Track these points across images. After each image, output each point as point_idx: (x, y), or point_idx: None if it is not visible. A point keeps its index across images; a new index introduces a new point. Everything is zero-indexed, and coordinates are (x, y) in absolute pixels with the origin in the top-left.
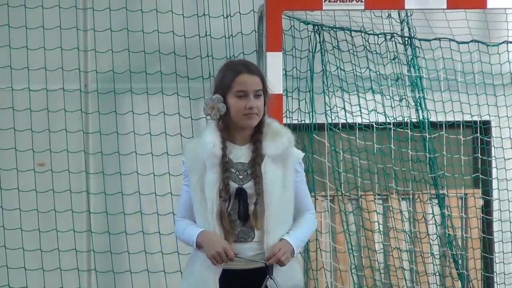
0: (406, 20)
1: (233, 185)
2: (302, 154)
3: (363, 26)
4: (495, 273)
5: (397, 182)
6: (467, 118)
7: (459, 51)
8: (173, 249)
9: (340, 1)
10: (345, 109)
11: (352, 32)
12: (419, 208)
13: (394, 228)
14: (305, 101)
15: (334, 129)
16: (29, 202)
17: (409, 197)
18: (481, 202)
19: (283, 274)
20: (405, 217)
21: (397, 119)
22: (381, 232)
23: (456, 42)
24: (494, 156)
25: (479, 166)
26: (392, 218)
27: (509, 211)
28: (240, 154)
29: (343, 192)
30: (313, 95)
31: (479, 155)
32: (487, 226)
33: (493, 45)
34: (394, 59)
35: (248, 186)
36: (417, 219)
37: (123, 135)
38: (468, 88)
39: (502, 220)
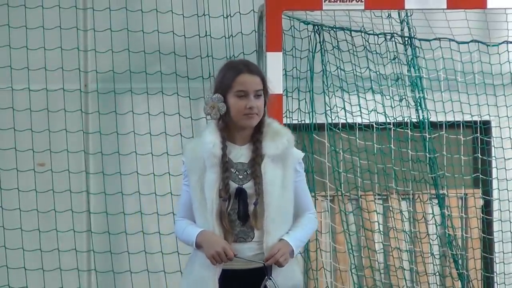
0: (406, 20)
1: (233, 185)
2: (302, 154)
3: (363, 26)
4: (495, 273)
5: (397, 182)
6: (467, 118)
7: (459, 51)
8: (173, 249)
9: (340, 1)
10: (345, 109)
11: (352, 32)
12: (419, 208)
13: (394, 228)
14: (305, 101)
15: (334, 129)
16: (29, 202)
17: (409, 197)
18: (481, 202)
19: (283, 274)
20: (405, 217)
21: (397, 119)
22: (381, 232)
23: (456, 42)
24: (494, 156)
25: (479, 166)
26: (392, 218)
27: (509, 211)
28: (240, 154)
29: (343, 192)
30: (313, 95)
31: (479, 155)
32: (487, 226)
33: (493, 45)
34: (394, 59)
35: (248, 186)
36: (417, 219)
37: (123, 135)
38: (468, 88)
39: (502, 220)
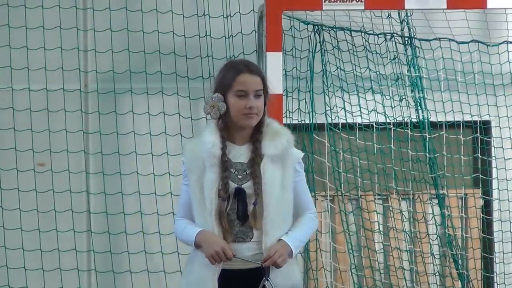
0: (406, 20)
1: (232, 185)
2: (301, 154)
3: (363, 26)
4: (495, 273)
5: (397, 182)
6: (467, 118)
7: (459, 51)
8: (173, 249)
9: (340, 1)
10: (345, 109)
11: (352, 32)
12: (419, 208)
13: (394, 228)
14: (305, 101)
15: (334, 129)
16: (29, 202)
17: (409, 197)
18: (481, 202)
19: (282, 274)
20: (405, 217)
21: (397, 119)
22: (381, 232)
23: (456, 42)
24: (494, 156)
25: (479, 166)
26: (392, 218)
27: (509, 211)
28: (240, 154)
29: (343, 192)
30: (313, 95)
31: (479, 155)
32: (487, 226)
33: (493, 45)
34: (394, 59)
35: (247, 186)
36: (417, 219)
37: (123, 135)
38: (468, 88)
39: (502, 220)
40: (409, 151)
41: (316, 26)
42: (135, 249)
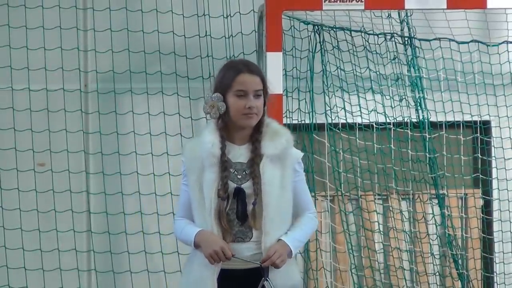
0: (406, 20)
1: (232, 185)
2: (301, 154)
3: (363, 26)
4: (495, 273)
5: (397, 182)
6: (467, 118)
7: (459, 51)
8: (173, 249)
9: (340, 1)
10: (345, 109)
11: (352, 32)
12: (419, 208)
13: (394, 228)
14: (305, 101)
15: (334, 129)
16: (29, 202)
17: (409, 197)
18: (481, 202)
19: (281, 274)
20: (405, 217)
21: (397, 119)
22: (381, 232)
23: (456, 42)
24: (494, 156)
25: (479, 166)
26: (392, 218)
27: (509, 211)
28: (239, 154)
29: (343, 192)
30: (313, 95)
31: (479, 155)
32: (487, 226)
33: (493, 45)
34: (394, 59)
35: (247, 186)
36: (417, 219)
37: (123, 135)
38: (468, 88)
39: (502, 220)
40: (409, 151)
41: (316, 26)
42: (135, 249)
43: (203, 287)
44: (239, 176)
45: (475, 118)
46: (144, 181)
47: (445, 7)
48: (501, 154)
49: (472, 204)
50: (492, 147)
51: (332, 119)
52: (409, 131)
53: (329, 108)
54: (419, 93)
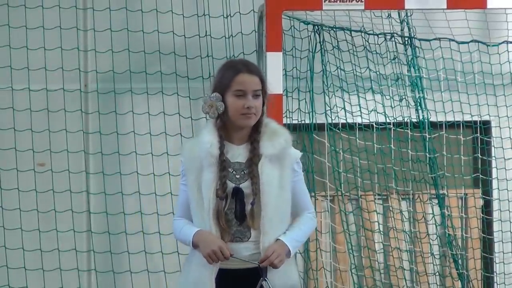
0: (406, 20)
1: (230, 185)
2: (299, 154)
3: (363, 26)
4: (495, 273)
5: (397, 182)
6: (467, 118)
7: (459, 51)
8: (173, 249)
9: (340, 1)
10: (345, 109)
11: (352, 32)
12: (419, 208)
13: (394, 228)
14: (305, 101)
15: (334, 129)
16: (29, 202)
17: (409, 197)
18: (481, 202)
19: (280, 275)
20: (405, 217)
21: (397, 119)
22: (381, 232)
23: (456, 42)
24: (494, 156)
25: (479, 166)
26: (392, 218)
27: (509, 211)
28: (238, 153)
29: (343, 192)
30: (313, 95)
31: (479, 155)
32: (487, 226)
33: (493, 45)
34: (394, 59)
35: (245, 186)
36: (417, 219)
37: (123, 135)
38: (468, 88)
39: (502, 220)
40: (409, 151)
41: (316, 26)
42: (135, 249)
43: (202, 287)
44: (237, 176)
45: (475, 118)
46: (144, 181)
47: (445, 7)
48: (501, 154)
49: (472, 204)
50: (492, 147)
51: (332, 119)
52: (409, 131)
53: (329, 108)
54: (419, 93)
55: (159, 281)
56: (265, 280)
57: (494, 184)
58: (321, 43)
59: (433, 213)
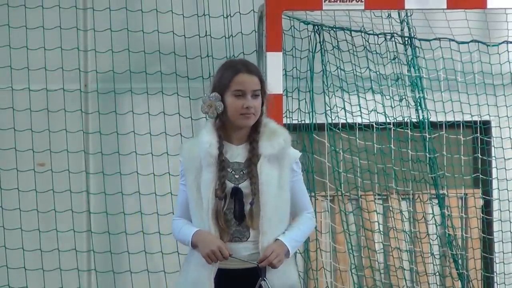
0: (406, 20)
1: (229, 185)
2: (298, 154)
3: (363, 26)
4: (495, 273)
5: (397, 182)
6: (467, 118)
7: (459, 51)
8: (173, 249)
9: (340, 1)
10: (345, 109)
11: (352, 32)
12: (419, 208)
13: (394, 228)
14: (305, 101)
15: (334, 129)
16: (29, 202)
17: (409, 197)
18: (481, 202)
19: (279, 275)
20: (405, 217)
21: (397, 119)
22: (381, 232)
23: (456, 42)
24: (494, 156)
25: (479, 166)
26: (392, 218)
27: (509, 211)
28: (237, 153)
29: (343, 192)
30: (313, 95)
31: (479, 155)
32: (487, 226)
33: (493, 45)
34: (394, 59)
35: (244, 186)
36: (417, 219)
37: (123, 135)
38: (468, 88)
39: (502, 220)
40: (409, 151)
41: (316, 26)
42: (135, 249)
43: (201, 286)
44: (236, 176)
45: (475, 118)
46: (144, 181)
47: (445, 7)
48: (501, 154)
49: (472, 204)
50: (492, 147)
51: (332, 119)
52: (409, 131)
53: (329, 108)
54: (419, 93)
55: (159, 281)
56: (264, 280)
57: (494, 184)
58: (321, 43)
59: (433, 213)
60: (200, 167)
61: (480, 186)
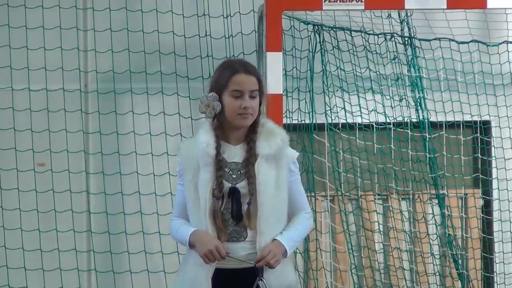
0: (406, 20)
1: (227, 185)
2: (296, 154)
3: (363, 26)
4: (495, 273)
5: (397, 182)
6: (467, 118)
7: (459, 51)
8: (173, 249)
9: (340, 1)
10: (345, 109)
11: (352, 32)
12: (419, 208)
13: (394, 228)
14: (305, 101)
15: (334, 129)
16: (29, 202)
17: (409, 197)
18: (481, 202)
19: (276, 275)
20: (405, 217)
21: (397, 119)
22: (381, 232)
23: (456, 42)
24: (494, 156)
25: (479, 166)
26: (392, 218)
27: (509, 211)
28: (234, 153)
29: (343, 192)
30: (313, 95)
31: (479, 155)
32: (487, 226)
33: (493, 45)
34: (394, 59)
35: (242, 186)
36: (417, 219)
37: (123, 135)
38: (468, 88)
39: (502, 220)
40: (409, 151)
41: (316, 26)
42: (135, 249)
43: (198, 286)
44: (234, 176)
45: (475, 118)
46: (144, 181)
47: (445, 7)
48: (501, 154)
49: (472, 204)
50: (492, 147)
51: (332, 119)
52: (409, 131)
53: (329, 108)
54: (419, 93)
55: (159, 281)
56: (262, 280)
57: (494, 184)
58: (321, 43)
59: (433, 213)
60: (198, 167)
61: (480, 186)
